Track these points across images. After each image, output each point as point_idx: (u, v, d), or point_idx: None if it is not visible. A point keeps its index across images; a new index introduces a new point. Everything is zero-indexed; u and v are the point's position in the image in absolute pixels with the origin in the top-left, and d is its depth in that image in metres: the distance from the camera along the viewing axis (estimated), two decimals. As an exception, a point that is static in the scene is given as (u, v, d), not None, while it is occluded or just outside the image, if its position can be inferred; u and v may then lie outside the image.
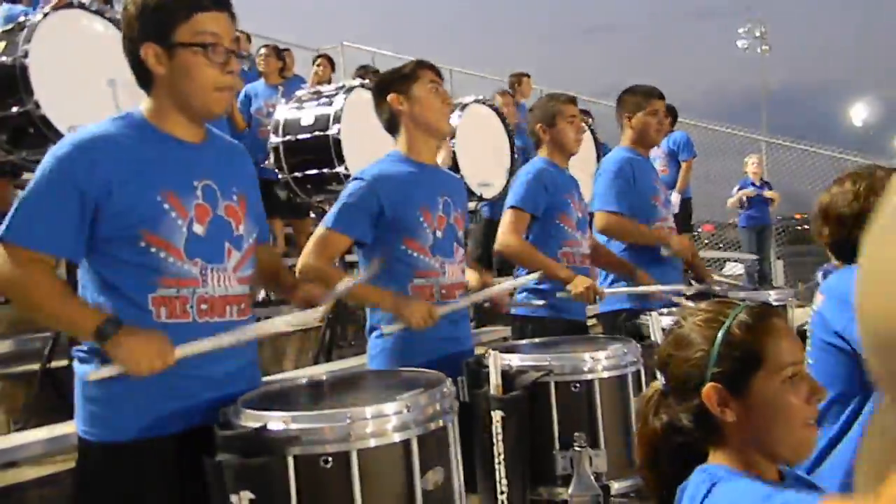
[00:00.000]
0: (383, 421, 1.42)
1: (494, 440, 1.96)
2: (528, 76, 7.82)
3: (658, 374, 1.33)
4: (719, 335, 1.21)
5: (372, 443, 1.41)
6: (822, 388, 1.23)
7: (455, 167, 4.56)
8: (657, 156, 7.60)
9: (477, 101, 4.99)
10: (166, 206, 1.56)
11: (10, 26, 3.36)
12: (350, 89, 4.20)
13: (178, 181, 1.60)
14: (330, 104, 4.14)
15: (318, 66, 6.71)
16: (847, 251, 1.94)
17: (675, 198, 7.33)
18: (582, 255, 3.20)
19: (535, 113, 3.28)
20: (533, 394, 2.01)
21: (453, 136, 4.64)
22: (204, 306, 1.59)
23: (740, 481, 1.14)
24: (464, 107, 4.84)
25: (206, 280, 1.60)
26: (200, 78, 1.58)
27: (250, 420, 1.47)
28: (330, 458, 1.38)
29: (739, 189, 8.65)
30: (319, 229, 2.29)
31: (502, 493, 1.95)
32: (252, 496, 1.37)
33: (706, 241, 10.85)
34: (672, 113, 7.70)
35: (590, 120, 6.90)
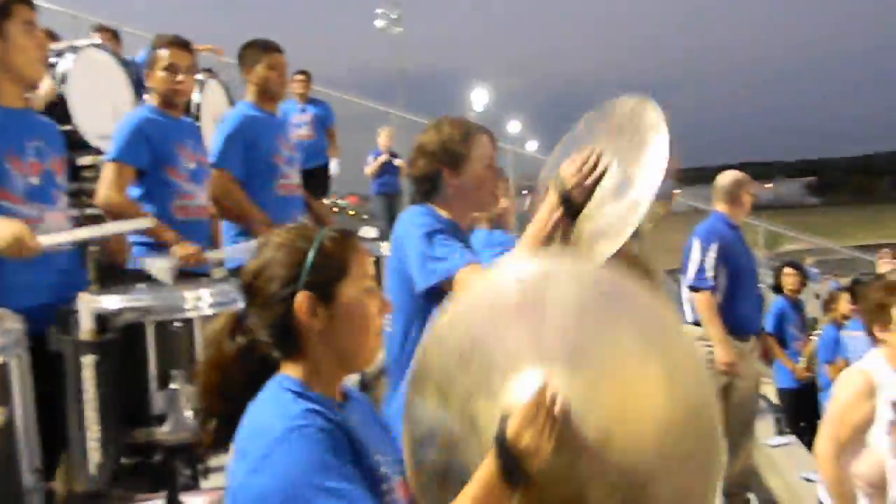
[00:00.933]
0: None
1: (83, 386, 1.87)
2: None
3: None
4: (313, 247, 1.30)
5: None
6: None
7: (66, 116, 4.16)
8: (302, 121, 7.71)
9: (93, 45, 4.57)
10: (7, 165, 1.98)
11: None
12: (78, 49, 4.24)
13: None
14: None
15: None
16: (426, 187, 2.17)
17: (335, 164, 7.51)
18: (198, 207, 3.14)
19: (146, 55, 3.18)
20: (131, 335, 1.95)
21: (64, 81, 4.22)
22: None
23: (301, 446, 1.17)
24: (76, 49, 4.40)
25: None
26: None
27: None
28: None
29: (375, 159, 9.18)
30: None
31: (93, 439, 1.87)
32: None
33: (351, 212, 11.28)
34: (310, 79, 7.86)
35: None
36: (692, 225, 4.23)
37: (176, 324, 1.99)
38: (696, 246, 4.05)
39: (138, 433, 1.95)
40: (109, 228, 2.39)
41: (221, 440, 1.32)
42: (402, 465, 1.39)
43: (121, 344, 1.93)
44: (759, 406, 4.57)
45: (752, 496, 4.25)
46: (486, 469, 1.23)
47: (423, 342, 1.42)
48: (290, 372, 1.31)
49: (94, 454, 1.90)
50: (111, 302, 1.97)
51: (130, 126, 3.00)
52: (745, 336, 4.08)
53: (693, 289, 4.03)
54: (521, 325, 1.29)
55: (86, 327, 1.89)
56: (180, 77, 3.07)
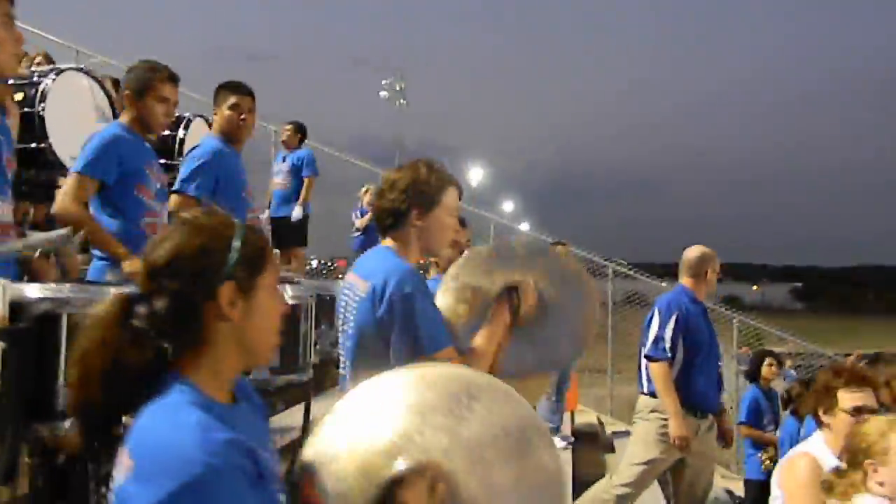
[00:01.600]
0: None
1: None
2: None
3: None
4: (239, 236, 1.26)
5: None
6: (287, 303, 1.37)
7: (42, 133, 4.19)
8: (280, 170, 7.80)
9: (79, 69, 4.64)
10: None
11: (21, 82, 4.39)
12: (61, 71, 4.46)
13: None
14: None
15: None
16: (389, 222, 2.25)
17: (297, 210, 7.57)
18: (163, 224, 3.16)
19: (130, 76, 3.18)
20: (46, 326, 1.89)
21: (43, 100, 4.27)
22: None
23: (227, 491, 1.10)
24: (60, 72, 4.46)
25: None
26: None
27: None
28: None
29: (360, 216, 9.21)
30: None
31: (-8, 432, 1.79)
32: None
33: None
34: (301, 131, 7.98)
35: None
36: None
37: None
38: (656, 316, 4.03)
39: (41, 428, 1.86)
40: (32, 241, 2.34)
41: (98, 442, 1.23)
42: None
43: (34, 334, 1.86)
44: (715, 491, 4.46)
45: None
46: None
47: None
48: (186, 369, 1.23)
49: (-10, 448, 1.81)
50: (30, 290, 1.91)
51: (102, 141, 3.03)
52: (701, 413, 4.02)
53: (650, 358, 3.99)
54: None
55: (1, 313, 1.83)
56: (166, 109, 3.18)
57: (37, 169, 4.20)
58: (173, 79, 3.20)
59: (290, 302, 2.95)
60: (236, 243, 1.26)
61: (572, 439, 6.80)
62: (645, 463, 4.00)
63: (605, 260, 9.71)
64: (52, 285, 1.97)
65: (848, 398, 2.75)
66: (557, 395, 6.72)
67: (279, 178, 7.79)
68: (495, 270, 2.34)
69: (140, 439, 1.14)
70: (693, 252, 4.17)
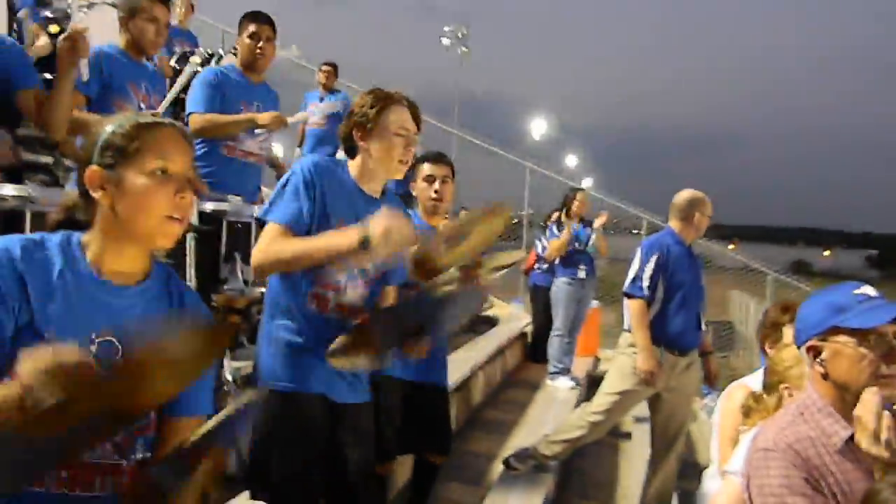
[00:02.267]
0: None
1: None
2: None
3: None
4: (110, 129, 1.45)
5: None
6: (187, 190, 1.47)
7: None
8: (318, 110, 7.99)
9: (112, 4, 4.89)
10: None
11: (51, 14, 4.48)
12: (93, 4, 4.33)
13: None
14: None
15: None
16: (346, 146, 2.43)
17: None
18: None
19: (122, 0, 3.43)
20: (13, 222, 2.18)
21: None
22: None
23: None
24: (91, 5, 4.72)
25: None
26: None
27: None
28: None
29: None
30: None
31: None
32: None
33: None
34: (337, 71, 8.17)
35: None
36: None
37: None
38: (638, 256, 4.16)
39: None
40: None
41: None
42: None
43: (1, 229, 2.14)
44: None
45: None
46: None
47: None
48: (86, 233, 1.46)
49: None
50: (2, 189, 2.19)
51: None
52: (680, 350, 4.13)
53: (627, 295, 4.13)
54: None
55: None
56: (156, 28, 3.40)
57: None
58: (163, 0, 3.41)
59: None
60: (105, 133, 1.44)
61: (581, 381, 6.95)
62: (618, 393, 4.18)
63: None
64: (21, 185, 2.24)
65: (790, 333, 2.83)
66: (569, 336, 6.87)
67: (315, 118, 7.96)
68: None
69: None
70: (682, 195, 4.24)
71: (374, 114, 2.35)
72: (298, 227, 2.17)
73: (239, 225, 3.19)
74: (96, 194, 1.43)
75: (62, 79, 2.66)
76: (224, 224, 3.14)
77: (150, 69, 3.51)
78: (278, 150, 9.28)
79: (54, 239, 1.42)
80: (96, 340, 1.40)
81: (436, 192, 3.30)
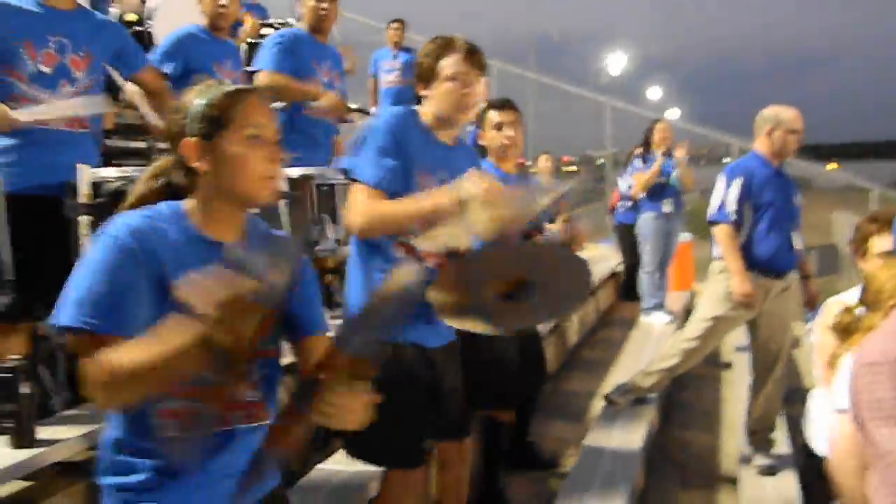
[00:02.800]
0: None
1: (80, 240, 2.28)
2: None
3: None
4: (202, 100, 1.53)
5: None
6: (278, 151, 1.56)
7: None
8: (392, 68, 8.08)
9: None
10: (21, 51, 2.50)
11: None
12: None
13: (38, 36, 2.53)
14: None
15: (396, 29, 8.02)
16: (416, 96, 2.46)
17: None
18: None
19: None
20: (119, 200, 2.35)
21: (150, 18, 4.77)
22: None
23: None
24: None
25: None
26: None
27: None
28: None
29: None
30: None
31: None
32: None
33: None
34: (402, 24, 8.20)
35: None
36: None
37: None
38: (720, 181, 4.06)
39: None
40: (79, 108, 2.67)
41: None
42: None
43: (110, 207, 2.32)
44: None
45: (776, 435, 4.24)
46: None
47: None
48: (187, 201, 1.56)
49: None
50: (106, 172, 2.37)
51: (171, 39, 3.51)
52: (774, 273, 4.05)
53: (712, 223, 4.06)
54: None
55: (83, 192, 2.30)
56: (224, 1, 3.51)
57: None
58: None
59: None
60: (198, 105, 1.54)
61: (677, 316, 6.89)
62: (710, 319, 4.14)
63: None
64: (122, 168, 2.42)
65: (878, 243, 2.75)
66: (659, 270, 6.80)
67: (392, 76, 8.01)
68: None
69: None
70: (762, 113, 4.08)
71: (430, 62, 2.36)
72: (388, 185, 2.21)
73: (325, 188, 3.33)
74: (196, 164, 1.53)
75: None
76: (312, 187, 3.27)
77: (234, 46, 3.64)
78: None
79: (164, 211, 1.52)
80: None
81: (507, 138, 3.31)
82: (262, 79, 3.71)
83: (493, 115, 3.33)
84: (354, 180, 2.24)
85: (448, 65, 2.34)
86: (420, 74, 2.39)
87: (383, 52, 8.27)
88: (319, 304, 1.75)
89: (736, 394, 5.39)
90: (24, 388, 2.13)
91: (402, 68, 7.87)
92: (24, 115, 2.44)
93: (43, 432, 2.24)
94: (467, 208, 2.05)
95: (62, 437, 2.26)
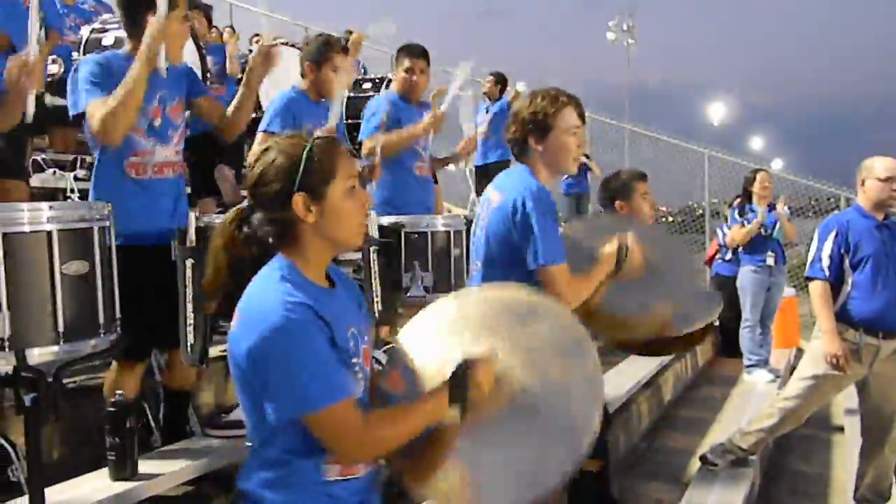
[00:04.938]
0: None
1: (186, 283, 2.41)
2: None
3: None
4: (305, 153, 1.58)
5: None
6: (368, 197, 1.67)
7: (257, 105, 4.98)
8: (484, 120, 8.23)
9: (283, 42, 5.37)
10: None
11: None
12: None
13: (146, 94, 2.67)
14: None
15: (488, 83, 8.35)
16: (517, 150, 2.58)
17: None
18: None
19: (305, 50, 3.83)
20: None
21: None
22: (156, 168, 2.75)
23: (292, 339, 1.49)
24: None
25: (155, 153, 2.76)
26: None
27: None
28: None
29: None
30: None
31: (190, 324, 2.41)
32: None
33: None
34: (501, 81, 8.37)
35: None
36: None
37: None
38: (815, 237, 3.93)
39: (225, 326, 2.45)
40: None
41: (226, 310, 1.64)
42: (369, 335, 1.70)
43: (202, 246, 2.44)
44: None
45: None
46: (440, 388, 1.64)
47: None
48: (286, 255, 1.60)
49: (190, 337, 2.43)
50: (209, 218, 2.52)
51: (281, 102, 3.69)
52: (883, 332, 3.81)
53: (807, 278, 3.90)
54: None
55: (190, 237, 2.44)
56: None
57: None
58: (346, 50, 3.83)
59: (442, 230, 3.45)
60: (303, 159, 1.58)
61: (781, 374, 6.56)
62: (811, 378, 3.91)
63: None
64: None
65: None
66: (761, 326, 6.52)
67: (482, 128, 8.19)
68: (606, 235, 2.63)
69: (244, 299, 1.57)
70: (862, 165, 3.93)
71: (547, 117, 2.48)
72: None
73: (415, 235, 3.40)
74: (304, 217, 1.57)
75: (250, 89, 3.04)
76: (402, 235, 3.35)
77: (326, 109, 3.81)
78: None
79: (287, 275, 1.57)
80: (349, 335, 1.60)
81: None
82: (370, 143, 3.91)
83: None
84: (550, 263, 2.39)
85: (564, 119, 2.49)
86: (534, 128, 2.49)
87: (481, 104, 8.46)
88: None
89: (847, 459, 5.06)
90: (129, 423, 2.24)
91: (492, 120, 8.04)
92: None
93: (143, 466, 2.34)
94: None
95: (161, 471, 2.35)
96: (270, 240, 1.62)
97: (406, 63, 4.16)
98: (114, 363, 2.71)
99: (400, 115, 4.09)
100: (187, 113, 2.99)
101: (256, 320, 1.50)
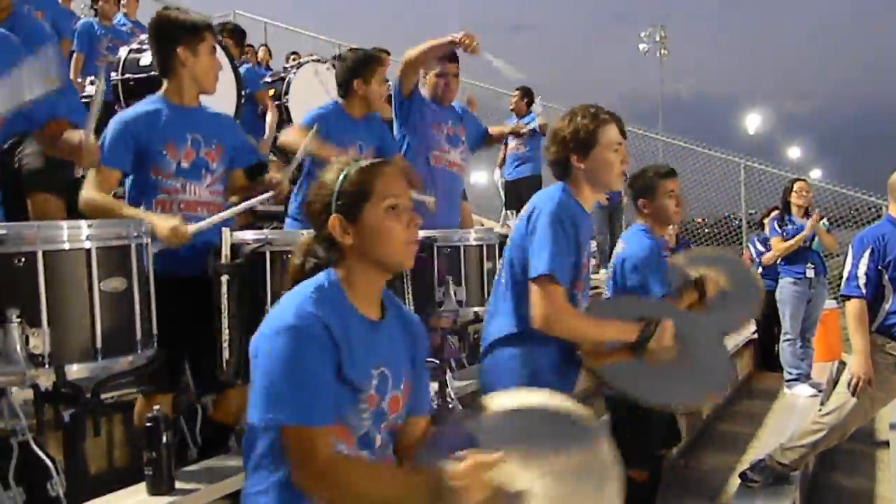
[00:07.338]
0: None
1: (222, 298, 2.44)
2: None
3: None
4: (340, 178, 1.62)
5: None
6: (416, 216, 1.65)
7: (289, 119, 5.05)
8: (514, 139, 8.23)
9: (316, 59, 5.47)
10: (164, 152, 2.63)
11: (270, 79, 5.68)
12: (301, 65, 5.34)
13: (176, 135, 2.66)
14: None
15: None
16: (559, 171, 2.54)
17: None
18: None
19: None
20: (255, 261, 2.50)
21: (287, 92, 5.14)
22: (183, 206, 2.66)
23: (286, 343, 1.50)
24: (300, 65, 5.31)
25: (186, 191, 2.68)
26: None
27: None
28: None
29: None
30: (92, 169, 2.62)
31: (225, 340, 2.43)
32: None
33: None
34: (528, 95, 8.37)
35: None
36: None
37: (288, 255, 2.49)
38: (850, 253, 3.84)
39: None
40: (242, 206, 2.82)
41: None
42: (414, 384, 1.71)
43: (246, 268, 2.46)
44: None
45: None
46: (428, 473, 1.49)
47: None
48: (339, 272, 1.63)
49: (226, 352, 2.45)
50: (242, 234, 2.54)
51: (314, 112, 3.74)
52: None
53: (843, 297, 3.82)
54: None
55: (224, 254, 2.46)
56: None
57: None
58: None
59: (475, 244, 3.44)
60: (337, 184, 1.62)
61: (823, 388, 6.42)
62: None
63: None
64: (258, 231, 2.57)
65: None
66: (801, 339, 6.39)
67: (512, 143, 8.20)
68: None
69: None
70: (893, 177, 3.84)
71: (589, 135, 2.45)
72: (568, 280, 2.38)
73: (448, 249, 3.40)
74: (342, 239, 1.60)
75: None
76: (435, 250, 3.35)
77: (364, 126, 3.81)
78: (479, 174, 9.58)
79: (325, 288, 1.59)
80: (375, 374, 1.60)
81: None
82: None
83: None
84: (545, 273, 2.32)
85: (606, 136, 2.47)
86: (576, 147, 2.46)
87: (509, 119, 8.46)
88: (428, 386, 1.84)
89: (892, 475, 4.93)
90: (165, 438, 2.26)
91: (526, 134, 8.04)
92: (191, 228, 2.54)
93: (180, 480, 2.36)
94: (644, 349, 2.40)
95: (197, 486, 2.37)
96: (326, 260, 1.65)
97: (438, 67, 4.11)
98: (140, 398, 2.69)
99: (428, 114, 4.07)
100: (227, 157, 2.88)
101: (272, 318, 1.56)
